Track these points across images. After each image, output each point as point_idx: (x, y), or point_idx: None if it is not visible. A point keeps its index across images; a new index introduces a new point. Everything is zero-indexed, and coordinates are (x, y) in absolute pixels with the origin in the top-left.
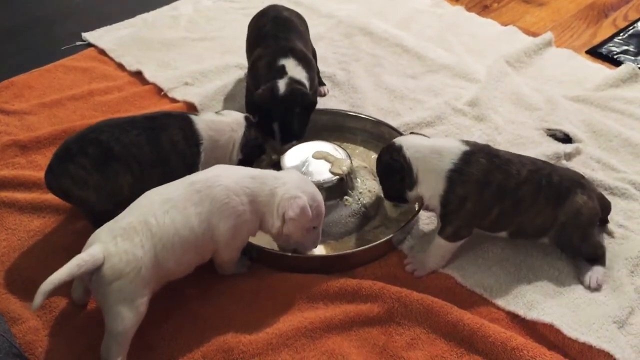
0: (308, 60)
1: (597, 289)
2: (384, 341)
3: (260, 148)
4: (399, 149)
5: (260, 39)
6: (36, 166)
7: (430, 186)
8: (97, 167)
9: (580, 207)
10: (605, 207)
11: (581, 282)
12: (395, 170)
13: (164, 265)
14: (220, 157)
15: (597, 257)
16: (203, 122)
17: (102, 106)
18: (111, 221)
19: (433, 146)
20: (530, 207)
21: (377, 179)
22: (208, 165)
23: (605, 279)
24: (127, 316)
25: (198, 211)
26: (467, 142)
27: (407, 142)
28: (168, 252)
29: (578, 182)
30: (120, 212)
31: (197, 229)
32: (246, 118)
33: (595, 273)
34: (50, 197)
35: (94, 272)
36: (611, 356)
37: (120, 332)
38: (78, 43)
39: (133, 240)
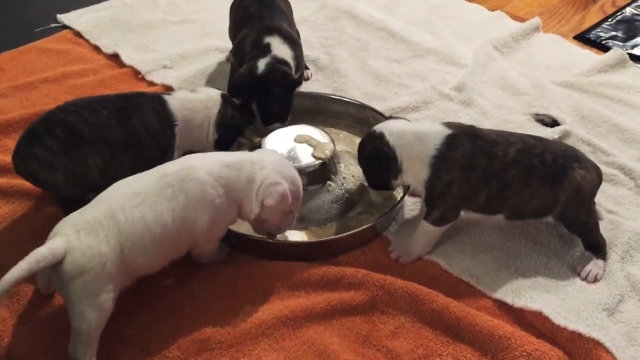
0: (294, 39)
1: (592, 282)
2: (368, 330)
3: (237, 128)
4: (380, 137)
5: (245, 19)
6: (6, 150)
7: (415, 173)
8: (65, 150)
9: (580, 182)
10: (600, 177)
11: (578, 273)
12: (380, 160)
13: (133, 263)
14: (196, 139)
15: (602, 245)
16: (177, 101)
17: (77, 89)
18: (76, 212)
19: (415, 132)
20: (521, 190)
21: None
22: (184, 147)
23: (603, 275)
24: (91, 315)
25: (172, 206)
26: (449, 125)
27: (389, 129)
28: (137, 248)
29: (573, 156)
30: (91, 197)
31: (171, 225)
32: (222, 95)
33: (596, 267)
34: (20, 182)
35: (56, 266)
36: (601, 344)
37: (85, 331)
38: (52, 25)
39: (98, 235)
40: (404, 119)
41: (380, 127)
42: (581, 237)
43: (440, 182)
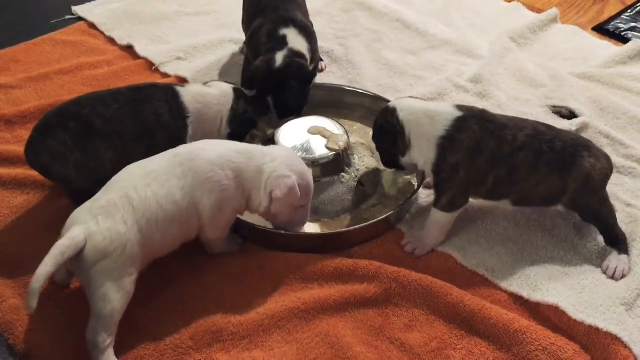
0: (309, 30)
1: (617, 279)
2: (381, 323)
3: (251, 122)
4: (392, 111)
5: (260, 10)
6: (21, 141)
7: (422, 152)
8: (78, 143)
9: (590, 171)
10: (611, 167)
11: (603, 272)
12: (387, 132)
13: (150, 241)
14: (208, 132)
15: (619, 237)
16: (190, 94)
17: (91, 81)
18: (90, 200)
19: (427, 110)
20: (529, 175)
21: (375, 155)
22: (196, 138)
23: (630, 270)
24: (114, 297)
25: (181, 184)
26: (461, 107)
27: (402, 105)
28: (152, 226)
29: (583, 145)
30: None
31: (181, 203)
32: (235, 90)
33: (621, 264)
34: (34, 173)
35: (77, 255)
36: (619, 339)
37: (108, 314)
38: (67, 17)
39: (115, 217)
40: (422, 99)
41: (394, 102)
42: (597, 226)
43: (446, 165)
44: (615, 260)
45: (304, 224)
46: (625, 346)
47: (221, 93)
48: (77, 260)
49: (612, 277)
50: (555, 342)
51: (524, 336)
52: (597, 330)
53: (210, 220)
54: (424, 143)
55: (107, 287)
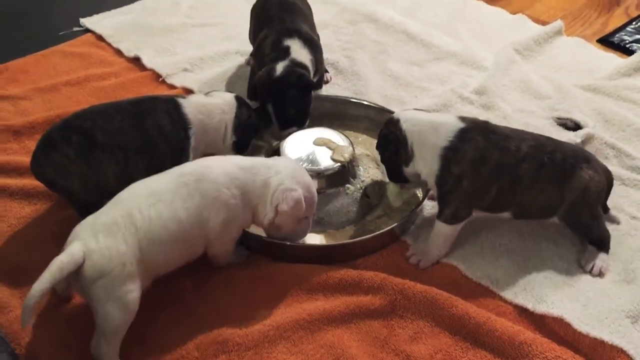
0: (314, 42)
1: (599, 276)
2: (386, 334)
3: (255, 127)
4: (396, 122)
5: (266, 21)
6: (29, 152)
7: (425, 163)
8: (81, 156)
9: (588, 182)
10: (610, 182)
11: (582, 267)
12: (389, 142)
13: (151, 261)
14: (212, 141)
15: (605, 241)
16: (191, 105)
17: (99, 92)
18: (92, 216)
19: (430, 121)
20: (531, 186)
21: (380, 167)
22: (198, 149)
23: (610, 269)
24: (116, 315)
25: (187, 206)
26: (464, 119)
27: (406, 116)
28: (155, 246)
29: (583, 157)
30: (106, 202)
31: (186, 223)
32: (237, 98)
33: (600, 261)
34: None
35: (77, 271)
36: (624, 352)
37: (110, 331)
38: (76, 29)
39: (116, 236)
40: (427, 111)
41: (398, 113)
42: (584, 237)
43: (450, 176)
44: (600, 260)
45: (305, 234)
46: (631, 359)
47: (224, 102)
48: (76, 276)
49: (591, 273)
50: (561, 355)
51: (529, 348)
52: (602, 342)
53: (218, 237)
54: (427, 154)
55: (109, 306)
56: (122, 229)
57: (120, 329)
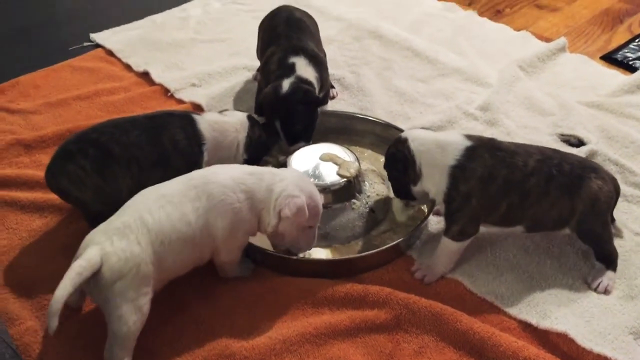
0: (319, 60)
1: (604, 294)
2: (391, 349)
3: (266, 146)
4: (404, 141)
5: (273, 38)
6: (39, 165)
7: (434, 182)
8: (97, 169)
9: (597, 192)
10: (617, 191)
11: (588, 284)
12: (398, 161)
13: (164, 262)
14: (224, 158)
15: (613, 257)
16: (206, 122)
17: (108, 106)
18: (104, 222)
19: (437, 140)
20: (541, 199)
21: (386, 182)
22: (210, 164)
23: (615, 285)
24: (131, 318)
25: (195, 207)
26: (470, 137)
27: (413, 135)
28: (166, 247)
29: (590, 167)
30: None
31: (195, 225)
32: (249, 117)
33: (607, 279)
34: (52, 196)
35: (93, 276)
36: None
37: (125, 334)
38: (86, 44)
39: (129, 238)
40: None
41: (406, 132)
42: (594, 249)
43: (458, 194)
44: (603, 276)
45: (310, 246)
46: None
47: (237, 121)
48: (93, 281)
49: (596, 290)
50: None
51: None
52: (605, 359)
53: (224, 242)
54: (435, 172)
55: (124, 309)
56: (135, 231)
57: (134, 333)
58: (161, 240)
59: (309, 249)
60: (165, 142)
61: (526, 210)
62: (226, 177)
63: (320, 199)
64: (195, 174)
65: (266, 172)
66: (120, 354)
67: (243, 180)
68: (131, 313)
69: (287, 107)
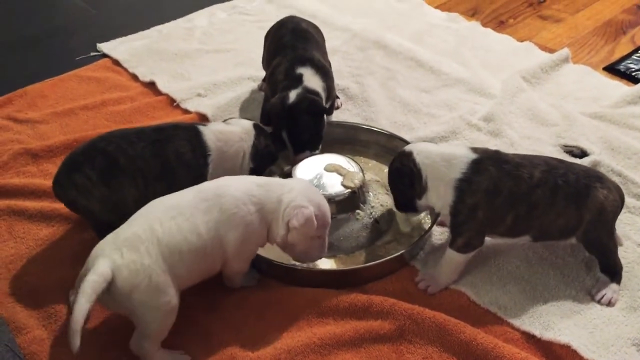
0: (326, 70)
1: (608, 306)
2: (395, 359)
3: (272, 156)
4: (409, 155)
5: (279, 49)
6: (47, 175)
7: (439, 195)
8: (103, 179)
9: (603, 201)
10: (622, 201)
11: (592, 295)
12: (404, 175)
13: (175, 271)
14: (229, 168)
15: (618, 269)
16: (211, 132)
17: (115, 116)
18: (112, 233)
19: (442, 153)
20: (548, 209)
21: (390, 193)
22: (216, 176)
23: (618, 298)
24: (157, 322)
25: (206, 219)
26: (476, 149)
27: (418, 149)
28: (177, 258)
29: (595, 176)
30: (124, 222)
31: (206, 236)
32: (255, 126)
33: (611, 292)
34: (60, 205)
35: (108, 288)
36: None
37: (153, 334)
38: (93, 53)
39: (139, 250)
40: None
41: (410, 146)
42: (600, 258)
43: (464, 207)
44: (607, 288)
45: (320, 256)
46: None
47: (242, 130)
48: (107, 293)
49: (600, 302)
50: None
51: None
52: None
53: (235, 253)
54: (440, 186)
55: (148, 316)
56: (144, 242)
57: (163, 331)
58: (171, 251)
59: (320, 259)
60: (170, 154)
61: (532, 221)
62: (237, 189)
63: (328, 208)
64: (206, 185)
65: (275, 184)
66: (149, 346)
67: (253, 192)
68: (156, 319)
69: (294, 118)
